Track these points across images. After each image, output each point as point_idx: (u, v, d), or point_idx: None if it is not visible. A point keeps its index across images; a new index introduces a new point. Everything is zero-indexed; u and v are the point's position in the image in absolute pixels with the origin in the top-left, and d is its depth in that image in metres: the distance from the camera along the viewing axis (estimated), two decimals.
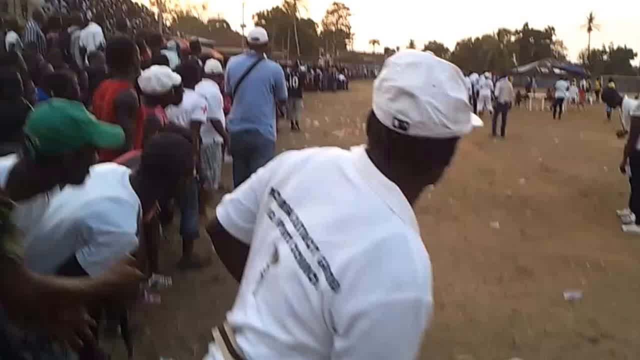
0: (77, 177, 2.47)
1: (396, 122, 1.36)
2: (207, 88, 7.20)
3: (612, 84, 27.35)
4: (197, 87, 6.93)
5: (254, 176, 1.74)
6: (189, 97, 6.22)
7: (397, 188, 1.42)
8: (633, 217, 8.47)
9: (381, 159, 1.44)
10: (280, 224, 1.52)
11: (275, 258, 1.49)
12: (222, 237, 1.78)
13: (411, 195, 1.46)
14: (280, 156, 1.71)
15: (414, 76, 1.36)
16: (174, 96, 5.48)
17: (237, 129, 6.66)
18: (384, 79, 1.42)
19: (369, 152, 1.48)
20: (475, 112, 25.67)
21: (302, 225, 1.46)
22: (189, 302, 5.24)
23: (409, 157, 1.42)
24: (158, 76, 5.29)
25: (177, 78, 5.47)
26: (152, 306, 5.10)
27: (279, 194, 1.57)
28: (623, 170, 8.70)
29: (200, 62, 8.47)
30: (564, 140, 19.15)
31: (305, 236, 1.43)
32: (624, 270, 6.53)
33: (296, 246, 1.44)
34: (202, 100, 6.52)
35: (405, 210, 1.43)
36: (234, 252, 1.77)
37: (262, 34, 6.86)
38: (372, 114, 1.45)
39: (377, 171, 1.43)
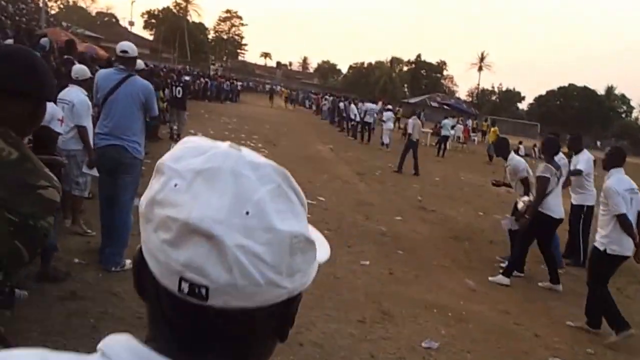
0: None
1: (185, 286, 0.77)
2: (74, 94, 7.23)
3: (496, 128, 28.52)
4: (61, 93, 6.89)
5: None
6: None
7: None
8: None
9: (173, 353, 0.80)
10: None
11: None
12: None
13: None
14: None
15: (212, 197, 0.77)
16: None
17: (103, 144, 6.53)
18: (156, 202, 0.80)
19: (152, 344, 0.81)
20: (382, 144, 26.27)
21: None
22: (43, 317, 5.05)
23: (218, 343, 0.82)
24: None
25: None
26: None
27: None
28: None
29: (76, 63, 8.25)
30: (444, 179, 19.84)
31: None
32: (484, 321, 6.80)
33: None
34: (59, 111, 6.42)
35: None
36: None
37: (131, 48, 6.77)
38: (142, 260, 0.83)
39: None
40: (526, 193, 8.87)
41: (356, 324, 6.11)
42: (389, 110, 30.09)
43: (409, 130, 20.99)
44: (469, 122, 45.23)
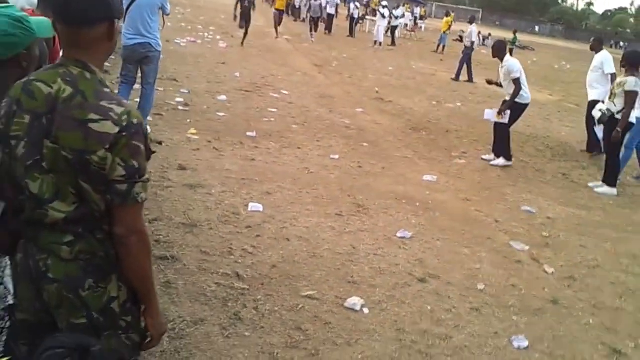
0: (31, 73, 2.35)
1: None
2: None
3: (449, 18, 28.10)
4: None
5: None
6: None
7: None
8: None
9: None
10: None
11: None
12: None
13: None
14: None
15: None
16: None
17: (132, 42, 7.86)
18: None
19: None
20: (375, 43, 25.88)
21: None
22: None
23: None
24: None
25: None
26: None
27: None
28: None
29: None
30: (397, 69, 19.85)
31: None
32: (449, 210, 7.04)
33: None
34: None
35: None
36: None
37: None
38: None
39: None
40: (516, 92, 9.01)
41: (335, 217, 6.28)
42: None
43: (472, 39, 20.10)
44: (417, 10, 44.84)
